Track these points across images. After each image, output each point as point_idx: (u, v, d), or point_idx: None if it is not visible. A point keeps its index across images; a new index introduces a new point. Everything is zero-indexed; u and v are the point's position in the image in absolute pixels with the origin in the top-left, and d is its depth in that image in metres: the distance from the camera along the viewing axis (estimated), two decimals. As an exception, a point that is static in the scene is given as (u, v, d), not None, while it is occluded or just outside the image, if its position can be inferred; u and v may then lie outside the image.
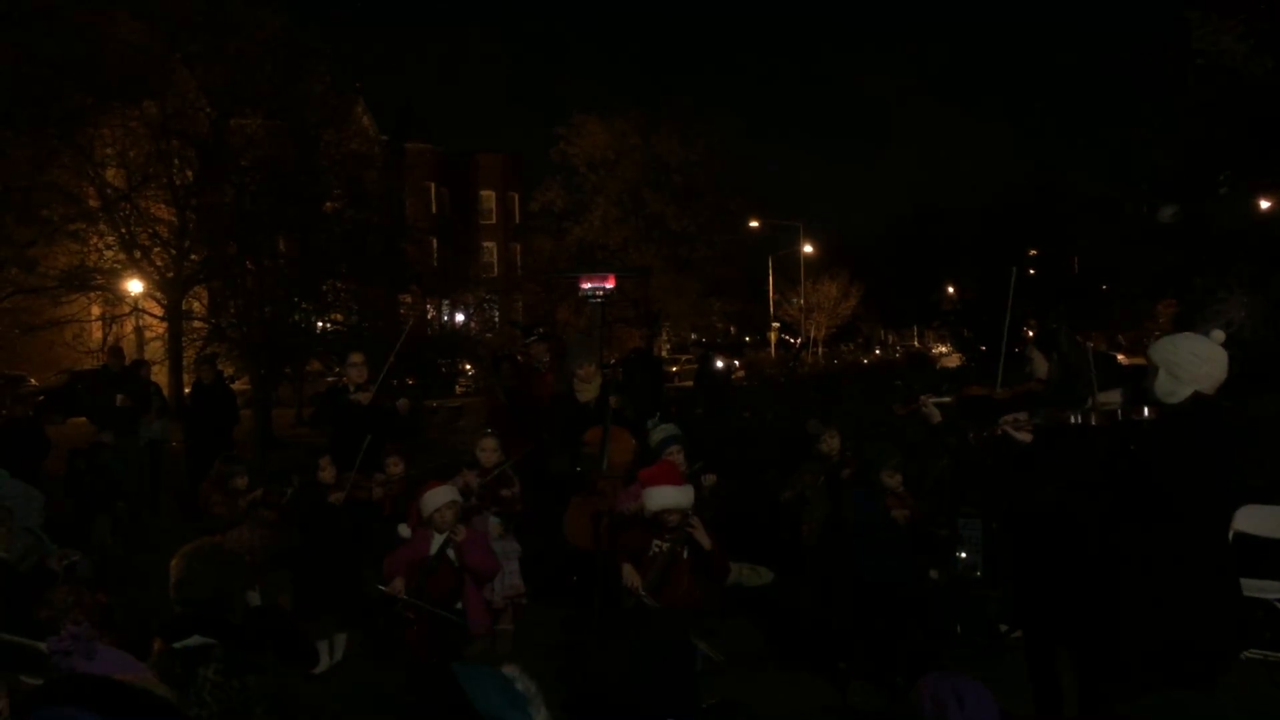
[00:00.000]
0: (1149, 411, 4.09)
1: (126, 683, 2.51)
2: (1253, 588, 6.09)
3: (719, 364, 36.59)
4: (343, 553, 6.77)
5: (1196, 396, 4.04)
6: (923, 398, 4.53)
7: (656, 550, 5.56)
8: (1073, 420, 4.19)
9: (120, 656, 2.77)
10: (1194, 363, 4.05)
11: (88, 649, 2.57)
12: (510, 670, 2.38)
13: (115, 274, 21.66)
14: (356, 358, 8.57)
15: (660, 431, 7.47)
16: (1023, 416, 4.40)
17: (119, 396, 11.72)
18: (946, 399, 4.73)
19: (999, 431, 4.40)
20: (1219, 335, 4.14)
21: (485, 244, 54.13)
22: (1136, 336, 41.96)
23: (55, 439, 11.37)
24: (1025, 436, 4.39)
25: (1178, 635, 3.87)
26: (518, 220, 53.93)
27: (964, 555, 7.07)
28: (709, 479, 7.01)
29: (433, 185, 49.65)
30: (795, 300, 53.10)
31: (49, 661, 2.64)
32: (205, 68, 21.16)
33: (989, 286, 35.88)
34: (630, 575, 5.56)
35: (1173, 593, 3.90)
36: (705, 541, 5.52)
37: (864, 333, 64.58)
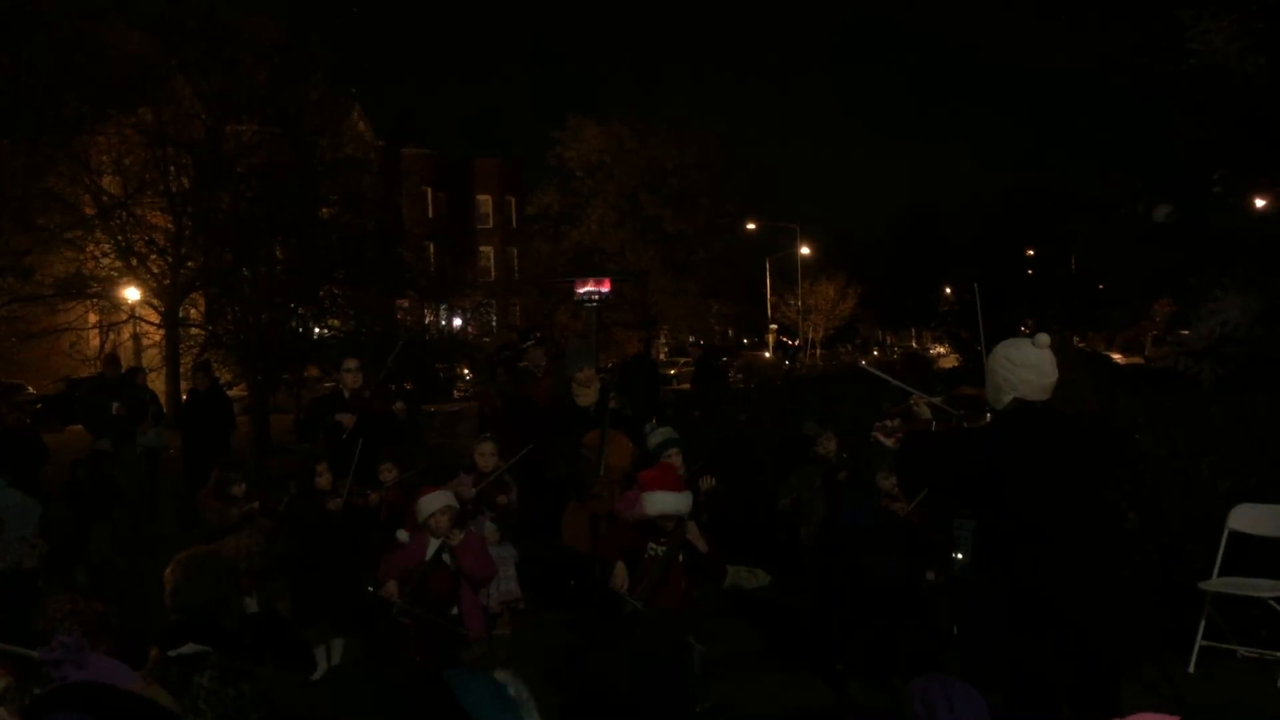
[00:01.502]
0: (989, 418, 4.10)
1: (129, 691, 2.52)
2: (1248, 586, 6.11)
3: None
4: (339, 559, 6.77)
5: (1019, 403, 4.00)
6: (914, 396, 4.55)
7: (652, 553, 5.57)
8: (934, 427, 4.21)
9: (113, 665, 2.78)
10: (1008, 369, 4.02)
11: (79, 658, 2.58)
12: (502, 675, 2.40)
13: (112, 281, 21.70)
14: (351, 363, 8.57)
15: (658, 435, 7.48)
16: (892, 423, 4.42)
17: (115, 405, 11.72)
18: (937, 399, 4.74)
19: (870, 439, 4.43)
20: (1043, 339, 4.08)
21: (482, 248, 54.08)
22: (1133, 336, 42.06)
23: (53, 447, 11.37)
24: (892, 443, 4.39)
25: (1038, 644, 3.79)
26: (515, 224, 53.95)
27: (960, 556, 7.08)
28: (706, 481, 7.01)
29: (429, 190, 49.59)
30: (793, 302, 53.14)
31: (41, 670, 2.65)
32: (201, 75, 21.19)
33: (987, 287, 35.95)
34: (620, 574, 5.57)
35: (1021, 603, 3.82)
36: (701, 544, 5.54)
37: (862, 334, 64.61)
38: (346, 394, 8.28)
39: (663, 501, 5.61)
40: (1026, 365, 4.00)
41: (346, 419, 7.99)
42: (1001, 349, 4.10)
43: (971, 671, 3.90)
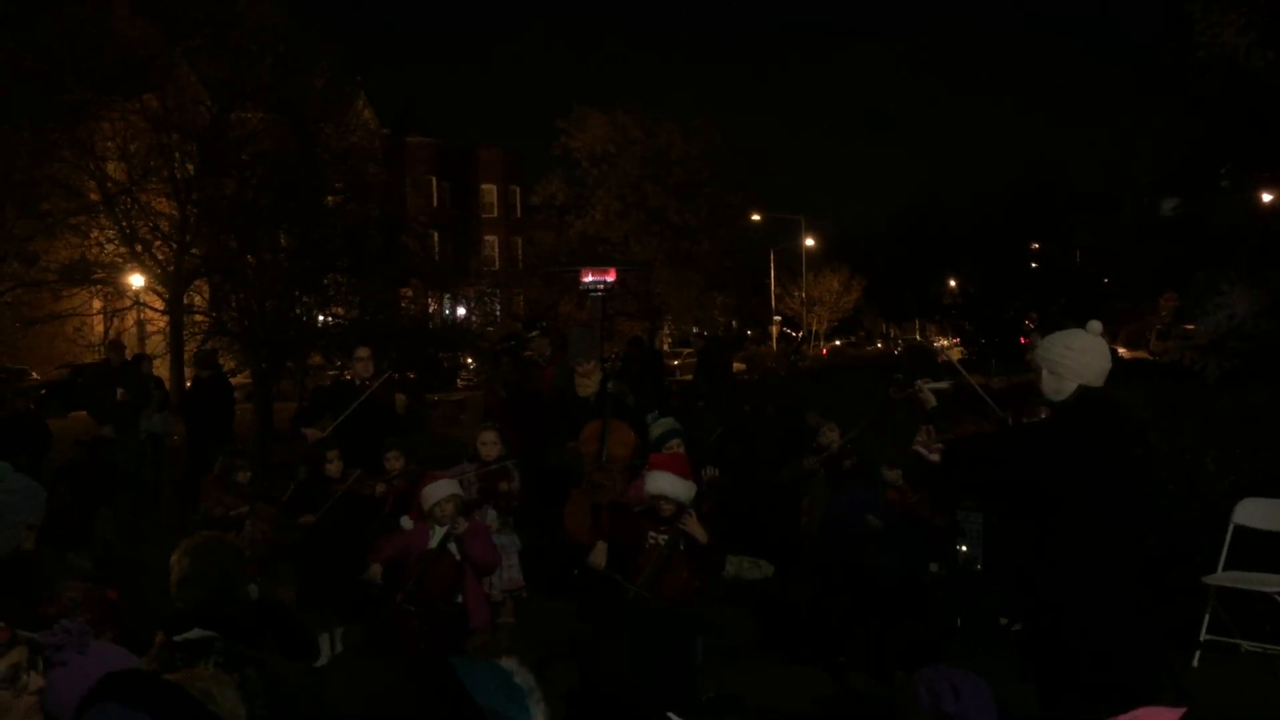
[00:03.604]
0: (1044, 413, 4.07)
1: (177, 683, 2.52)
2: (1253, 581, 6.11)
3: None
4: (344, 547, 6.78)
5: (1082, 390, 4.00)
6: (918, 382, 4.55)
7: (653, 542, 5.57)
8: (982, 428, 4.17)
9: (115, 651, 2.77)
10: (1069, 356, 4.02)
11: (80, 643, 2.58)
12: (508, 663, 2.39)
13: (116, 268, 21.66)
14: (363, 352, 8.58)
15: (660, 425, 7.47)
16: (930, 436, 4.36)
17: (119, 391, 11.74)
18: (943, 385, 4.74)
19: (910, 454, 4.39)
20: (1095, 326, 4.11)
21: (486, 238, 54.09)
22: (1138, 330, 41.99)
23: (56, 433, 11.39)
24: (935, 457, 4.33)
25: (1092, 638, 3.80)
26: (519, 214, 53.92)
27: (964, 548, 7.08)
28: (709, 471, 7.01)
29: (434, 179, 49.63)
30: (797, 294, 53.09)
31: (42, 655, 2.66)
32: (206, 62, 21.15)
33: (990, 280, 35.92)
34: (598, 553, 5.59)
35: (1082, 594, 3.83)
36: (700, 535, 5.53)
37: (865, 326, 64.58)
38: (358, 382, 8.28)
39: (665, 482, 5.60)
40: (1087, 350, 4.01)
41: (311, 433, 7.86)
42: (1059, 338, 4.10)
43: (1030, 658, 3.92)
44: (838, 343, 55.53)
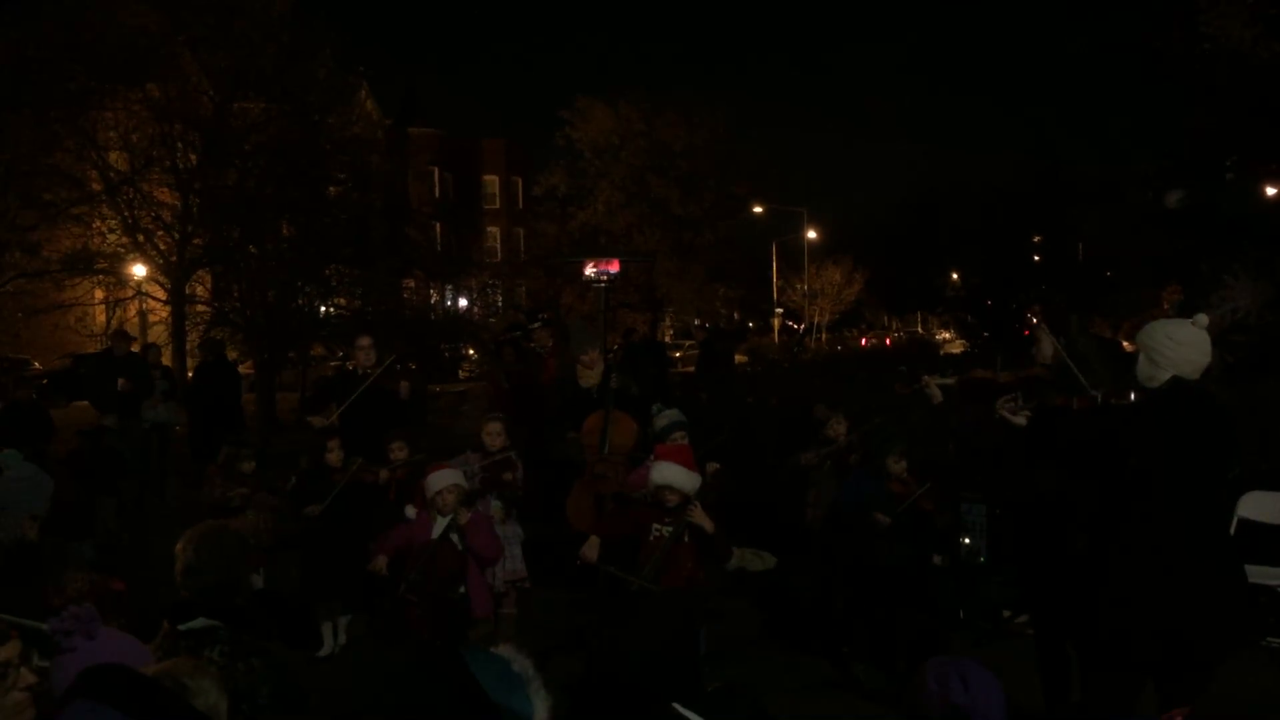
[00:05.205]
0: (1134, 396, 4.08)
1: (153, 678, 2.51)
2: (1256, 574, 6.09)
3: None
4: (348, 536, 6.78)
5: (1175, 381, 4.00)
6: (925, 378, 4.54)
7: (658, 534, 5.56)
8: (1070, 404, 4.17)
9: (123, 638, 2.77)
10: (1169, 346, 4.01)
11: (89, 629, 2.57)
12: (506, 650, 2.37)
13: (118, 258, 21.65)
14: (364, 340, 8.56)
15: (665, 417, 7.46)
16: (1017, 401, 4.39)
17: (120, 381, 11.74)
18: (949, 380, 4.74)
19: (996, 415, 4.39)
20: (1203, 320, 4.09)
21: (489, 229, 54.04)
22: (1140, 323, 41.97)
23: (58, 422, 11.39)
24: (1020, 420, 4.36)
25: (1165, 623, 3.84)
26: (521, 205, 53.86)
27: (967, 540, 7.08)
28: (710, 466, 7.00)
29: (436, 169, 49.56)
30: (799, 286, 53.04)
31: (50, 641, 2.65)
32: (209, 51, 21.13)
33: (993, 273, 35.86)
34: (590, 548, 5.57)
35: (1157, 580, 3.86)
36: (706, 525, 5.52)
37: (867, 318, 64.48)
38: (360, 371, 8.27)
39: (671, 473, 5.59)
40: (1190, 344, 4.00)
41: (317, 420, 7.94)
42: (1162, 327, 4.10)
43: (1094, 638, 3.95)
44: (863, 341, 53.68)
